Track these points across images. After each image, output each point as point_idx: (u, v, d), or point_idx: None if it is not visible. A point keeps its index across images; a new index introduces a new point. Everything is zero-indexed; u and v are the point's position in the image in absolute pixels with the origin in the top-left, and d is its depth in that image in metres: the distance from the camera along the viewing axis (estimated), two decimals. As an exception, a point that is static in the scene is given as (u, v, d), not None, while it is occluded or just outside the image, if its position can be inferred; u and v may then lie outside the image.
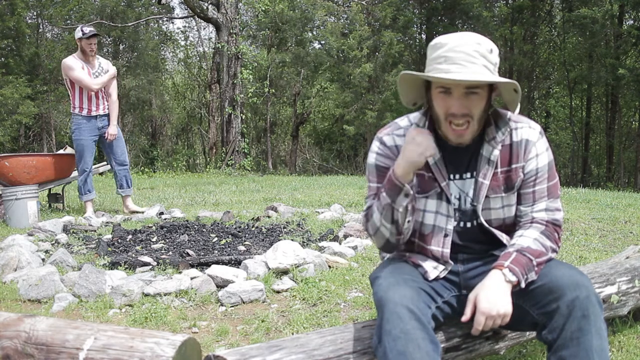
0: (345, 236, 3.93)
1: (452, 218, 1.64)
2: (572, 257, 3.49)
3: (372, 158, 1.71)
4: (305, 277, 2.95)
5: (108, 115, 5.50)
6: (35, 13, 19.30)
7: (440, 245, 1.66)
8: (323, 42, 19.08)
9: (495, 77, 1.51)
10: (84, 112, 5.39)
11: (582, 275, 1.51)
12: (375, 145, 1.71)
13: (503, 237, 1.66)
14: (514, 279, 1.50)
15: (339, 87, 18.05)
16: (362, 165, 18.72)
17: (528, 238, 1.58)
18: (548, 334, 1.49)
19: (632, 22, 17.59)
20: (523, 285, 1.51)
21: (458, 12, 17.60)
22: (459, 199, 1.65)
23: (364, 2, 18.07)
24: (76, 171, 6.48)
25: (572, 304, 1.44)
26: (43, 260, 3.42)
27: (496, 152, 1.61)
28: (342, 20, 19.11)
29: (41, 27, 19.86)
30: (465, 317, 1.53)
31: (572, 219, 4.63)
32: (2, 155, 5.63)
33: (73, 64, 5.36)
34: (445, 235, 1.65)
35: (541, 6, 18.18)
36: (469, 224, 1.67)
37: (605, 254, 3.61)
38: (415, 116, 1.70)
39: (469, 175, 1.64)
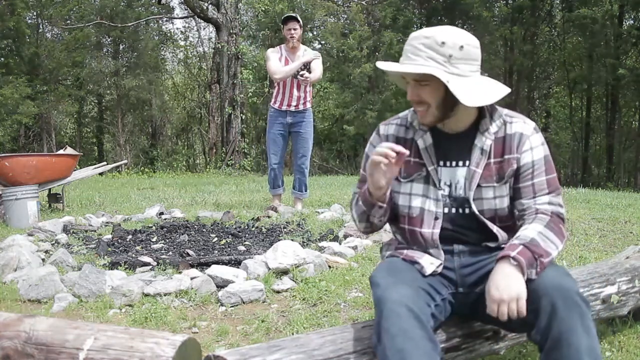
0: (345, 236, 3.93)
1: (440, 202, 1.67)
2: (572, 257, 3.49)
3: (367, 146, 1.82)
4: (305, 277, 2.95)
5: (301, 113, 5.21)
6: (35, 13, 19.29)
7: (431, 227, 1.67)
8: (323, 42, 19.09)
9: (408, 68, 1.57)
10: (276, 105, 5.22)
11: (566, 276, 1.50)
12: (373, 135, 1.82)
13: (494, 228, 1.66)
14: (522, 265, 1.48)
15: (339, 87, 18.05)
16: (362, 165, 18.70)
17: (532, 230, 1.57)
18: (536, 335, 1.49)
19: (632, 22, 17.59)
20: (530, 277, 1.50)
21: (458, 12, 17.60)
22: (450, 186, 1.68)
23: (364, 2, 18.08)
24: (77, 171, 6.50)
25: (556, 305, 1.43)
26: (43, 260, 3.42)
27: (489, 142, 1.65)
28: (342, 21, 19.11)
29: (41, 27, 19.85)
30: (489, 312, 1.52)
31: (572, 219, 4.63)
32: (2, 155, 5.62)
33: (269, 53, 5.22)
34: (436, 218, 1.67)
35: (541, 6, 18.16)
36: (460, 210, 1.68)
37: (605, 254, 3.61)
38: None
39: (460, 164, 1.67)
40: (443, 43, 1.54)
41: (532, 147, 1.65)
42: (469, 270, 1.67)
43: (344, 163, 19.07)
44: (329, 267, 3.18)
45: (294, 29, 5.11)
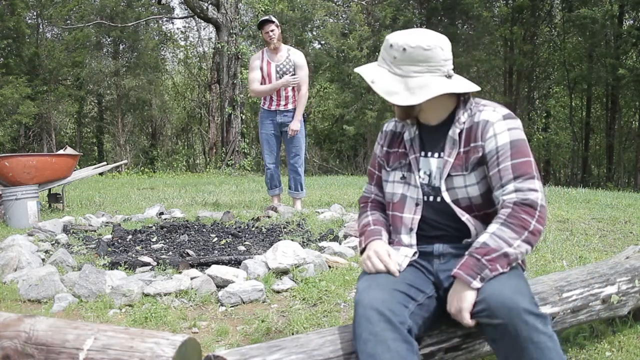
0: (345, 236, 3.93)
1: (419, 189, 1.74)
2: (572, 257, 3.50)
3: (375, 144, 1.93)
4: (305, 277, 2.95)
5: (291, 112, 5.23)
6: (35, 13, 19.29)
7: (412, 213, 1.75)
8: (323, 42, 19.11)
9: (361, 69, 1.71)
10: (265, 105, 5.23)
11: (514, 293, 1.46)
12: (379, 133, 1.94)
13: (463, 217, 1.68)
14: (463, 277, 1.53)
15: (339, 87, 18.05)
16: (362, 165, 18.72)
17: (486, 234, 1.57)
18: (493, 343, 1.52)
19: (632, 22, 17.59)
20: (478, 285, 1.50)
21: (458, 12, 17.59)
22: (429, 176, 1.74)
23: (364, 2, 18.08)
24: (77, 171, 6.51)
25: (504, 326, 1.43)
26: (43, 260, 3.42)
27: (457, 131, 1.69)
28: (342, 21, 19.11)
29: (41, 27, 19.85)
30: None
31: (572, 219, 4.63)
32: (2, 155, 5.63)
33: (252, 60, 5.24)
34: (417, 204, 1.75)
35: (541, 6, 18.17)
36: (438, 199, 1.72)
37: (605, 254, 3.61)
38: None
39: (436, 154, 1.74)
40: (391, 46, 1.67)
41: (496, 133, 1.63)
42: (446, 275, 1.67)
43: (343, 163, 19.08)
44: (329, 267, 3.18)
45: (272, 31, 5.11)
